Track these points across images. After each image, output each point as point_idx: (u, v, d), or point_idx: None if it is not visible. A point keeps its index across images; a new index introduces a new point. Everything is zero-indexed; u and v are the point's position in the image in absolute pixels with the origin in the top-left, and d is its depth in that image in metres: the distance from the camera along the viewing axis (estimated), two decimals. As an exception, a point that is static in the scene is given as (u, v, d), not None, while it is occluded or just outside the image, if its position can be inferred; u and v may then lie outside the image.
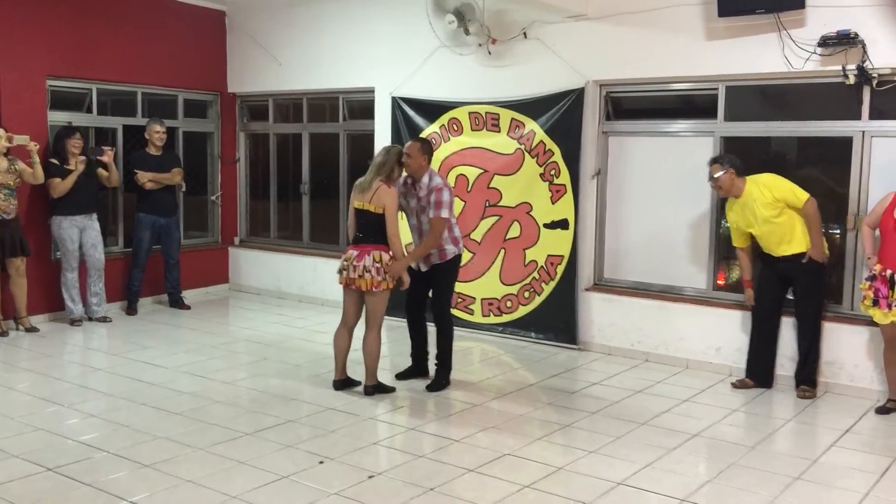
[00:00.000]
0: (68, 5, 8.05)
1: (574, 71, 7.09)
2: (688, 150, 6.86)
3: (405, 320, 6.25)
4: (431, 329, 6.18)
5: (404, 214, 6.04)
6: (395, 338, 7.17)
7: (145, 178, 8.28)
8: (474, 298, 7.73)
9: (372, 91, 8.48)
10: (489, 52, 7.50)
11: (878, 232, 5.66)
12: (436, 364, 6.08)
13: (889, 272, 5.46)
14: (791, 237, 5.90)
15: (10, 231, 7.27)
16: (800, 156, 6.77)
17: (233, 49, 9.55)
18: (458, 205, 7.52)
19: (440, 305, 6.04)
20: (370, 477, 4.41)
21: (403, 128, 8.08)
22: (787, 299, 6.17)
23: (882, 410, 5.63)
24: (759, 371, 6.19)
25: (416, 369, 6.26)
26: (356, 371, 5.96)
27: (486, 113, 7.58)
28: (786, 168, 6.49)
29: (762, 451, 4.90)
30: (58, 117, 8.09)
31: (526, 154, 7.38)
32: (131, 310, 8.43)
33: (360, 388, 5.87)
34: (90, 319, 7.99)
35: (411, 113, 8.07)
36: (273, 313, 8.64)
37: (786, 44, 6.11)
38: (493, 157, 7.57)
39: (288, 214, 9.78)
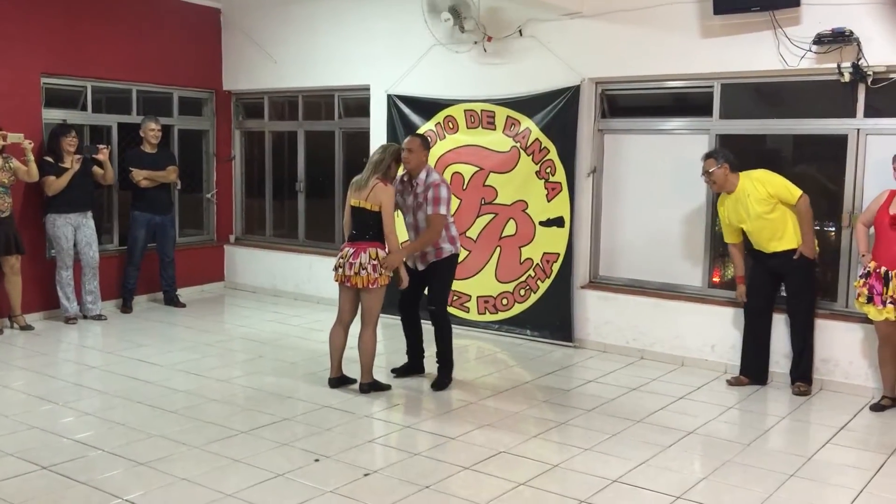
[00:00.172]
0: (63, 3, 8.03)
1: (569, 69, 7.09)
2: (683, 147, 6.87)
3: (400, 318, 6.23)
4: (426, 326, 6.18)
5: (400, 213, 6.03)
6: (390, 335, 7.17)
7: (140, 175, 8.26)
8: (470, 296, 7.74)
9: (367, 89, 8.47)
10: (485, 50, 7.49)
11: (872, 229, 5.68)
12: (437, 363, 6.04)
13: (884, 269, 5.47)
14: (783, 233, 5.92)
15: (5, 229, 7.25)
16: (795, 153, 6.78)
17: (228, 47, 9.54)
18: (454, 203, 7.51)
19: (437, 305, 5.99)
20: (366, 475, 4.41)
21: (399, 126, 8.08)
22: (780, 296, 6.18)
23: (877, 407, 5.64)
24: (754, 368, 6.20)
25: (411, 366, 6.26)
26: (351, 369, 5.96)
27: (482, 111, 7.58)
28: (781, 166, 6.49)
29: (757, 449, 4.91)
30: (52, 115, 8.07)
31: (521, 152, 7.38)
32: (126, 308, 8.41)
33: (356, 386, 5.87)
34: (85, 317, 7.98)
35: (407, 111, 8.07)
36: (268, 311, 8.63)
37: (781, 41, 6.11)
38: (489, 154, 7.57)
39: (283, 212, 9.77)
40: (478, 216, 7.68)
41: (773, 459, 4.74)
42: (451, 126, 7.78)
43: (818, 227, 6.22)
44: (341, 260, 5.70)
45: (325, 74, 8.79)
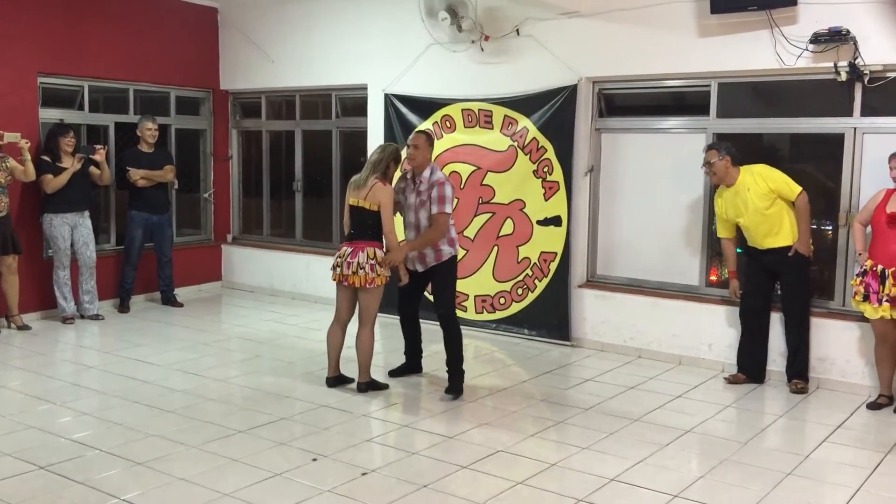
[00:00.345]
0: (60, 2, 8.01)
1: (567, 68, 7.09)
2: (680, 146, 6.88)
3: (398, 318, 6.21)
4: (425, 327, 6.18)
5: (399, 213, 5.99)
6: (388, 335, 7.17)
7: (137, 175, 8.26)
8: (468, 295, 7.74)
9: (365, 88, 8.47)
10: (482, 49, 7.49)
11: (869, 228, 5.69)
12: (447, 371, 5.85)
13: (880, 267, 5.48)
14: (779, 229, 5.93)
15: (2, 229, 7.24)
16: (792, 152, 6.79)
17: (225, 46, 9.53)
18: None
19: (445, 309, 5.82)
20: (363, 474, 4.41)
21: (396, 125, 8.08)
22: (776, 294, 6.19)
23: (873, 406, 5.65)
24: (750, 367, 6.22)
25: (409, 367, 6.25)
26: (349, 368, 5.96)
27: (479, 110, 7.58)
28: (778, 165, 6.46)
29: (754, 447, 4.92)
30: (49, 115, 8.06)
31: (519, 151, 7.38)
32: (124, 307, 8.40)
33: (354, 385, 5.87)
34: (82, 317, 7.97)
35: (404, 110, 8.07)
36: (266, 311, 8.63)
37: (778, 40, 6.12)
38: (486, 154, 7.58)
39: (281, 212, 9.77)
40: (475, 215, 7.68)
41: (770, 458, 4.74)
42: (448, 125, 7.79)
43: (814, 226, 6.24)
44: (339, 259, 5.70)
45: (322, 74, 8.79)
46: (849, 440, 5.09)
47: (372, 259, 5.59)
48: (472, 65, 7.63)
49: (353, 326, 5.85)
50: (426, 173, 5.74)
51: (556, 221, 7.24)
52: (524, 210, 7.41)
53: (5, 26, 7.60)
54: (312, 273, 8.92)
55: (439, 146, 7.76)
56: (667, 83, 6.96)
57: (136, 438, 4.87)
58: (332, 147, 9.02)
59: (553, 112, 7.17)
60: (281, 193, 9.70)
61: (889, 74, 5.86)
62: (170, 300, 8.71)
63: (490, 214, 7.61)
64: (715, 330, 6.58)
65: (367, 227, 5.65)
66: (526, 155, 7.34)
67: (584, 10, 6.95)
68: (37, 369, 6.36)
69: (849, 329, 6.04)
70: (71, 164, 7.65)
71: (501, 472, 4.48)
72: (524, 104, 7.32)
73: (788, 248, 5.93)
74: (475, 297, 7.73)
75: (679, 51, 6.58)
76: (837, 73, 5.91)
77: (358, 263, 5.59)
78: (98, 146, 8.03)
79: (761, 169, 6.00)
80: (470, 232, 7.69)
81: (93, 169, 7.96)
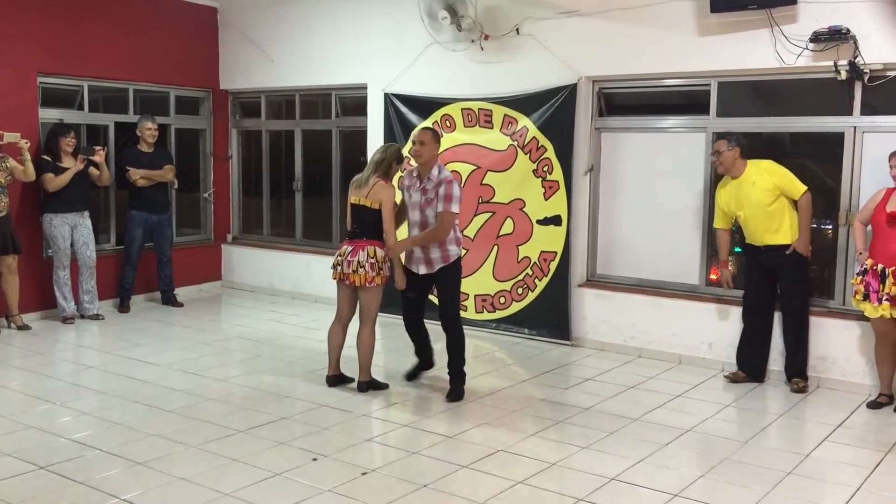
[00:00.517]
0: (60, 2, 8.01)
1: (566, 67, 7.09)
2: (680, 145, 6.88)
3: (400, 317, 6.08)
4: (428, 327, 6.14)
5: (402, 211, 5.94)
6: (388, 334, 7.17)
7: (136, 174, 8.26)
8: (468, 295, 7.73)
9: (364, 88, 8.46)
10: (482, 49, 7.49)
11: (869, 227, 5.68)
12: (448, 373, 5.81)
13: (880, 266, 5.48)
14: (778, 226, 5.93)
15: (2, 229, 7.24)
16: (792, 151, 6.78)
17: (225, 46, 9.52)
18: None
19: (450, 311, 5.74)
20: (363, 474, 4.41)
21: (396, 124, 8.08)
22: (777, 294, 6.18)
23: (874, 405, 5.65)
24: (751, 366, 6.21)
25: (421, 364, 6.12)
26: (350, 368, 5.95)
27: (479, 109, 7.58)
28: (778, 164, 6.49)
29: (754, 446, 4.92)
30: (49, 114, 8.06)
31: (519, 150, 7.38)
32: (124, 307, 8.40)
33: (354, 385, 5.86)
34: (82, 317, 7.97)
35: (404, 109, 8.07)
36: (266, 310, 8.63)
37: (778, 39, 6.11)
38: (486, 153, 7.57)
39: (281, 211, 9.76)
40: (475, 215, 7.68)
41: (770, 457, 4.74)
42: (448, 125, 7.78)
43: (814, 225, 6.23)
44: (339, 258, 5.70)
45: (321, 73, 8.79)
46: (849, 439, 5.09)
47: (372, 258, 5.59)
48: (471, 64, 7.63)
49: (354, 326, 5.85)
50: (434, 172, 5.61)
51: (555, 221, 7.24)
52: (524, 209, 7.41)
53: (5, 26, 7.60)
54: (312, 273, 8.92)
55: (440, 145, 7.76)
56: (667, 82, 6.95)
57: (137, 438, 4.87)
58: (332, 147, 9.02)
59: (553, 111, 7.17)
60: (281, 193, 9.69)
61: (889, 73, 5.85)
62: (170, 300, 8.71)
63: (490, 214, 7.61)
64: (715, 329, 6.58)
65: (368, 225, 5.65)
66: (526, 154, 7.34)
67: (584, 9, 6.95)
68: (37, 369, 6.36)
69: (849, 328, 6.04)
70: (73, 165, 7.65)
71: (501, 471, 4.48)
72: (524, 103, 7.32)
73: (786, 246, 5.93)
74: (475, 296, 7.73)
75: (679, 50, 6.57)
76: (837, 71, 5.91)
77: (358, 262, 5.58)
78: (98, 147, 8.03)
79: (768, 165, 6.01)
80: (470, 231, 7.69)
81: (92, 170, 7.95)
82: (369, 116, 8.44)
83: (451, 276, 5.76)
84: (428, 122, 7.83)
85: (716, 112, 6.65)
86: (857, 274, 5.67)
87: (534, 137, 7.27)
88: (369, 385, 5.82)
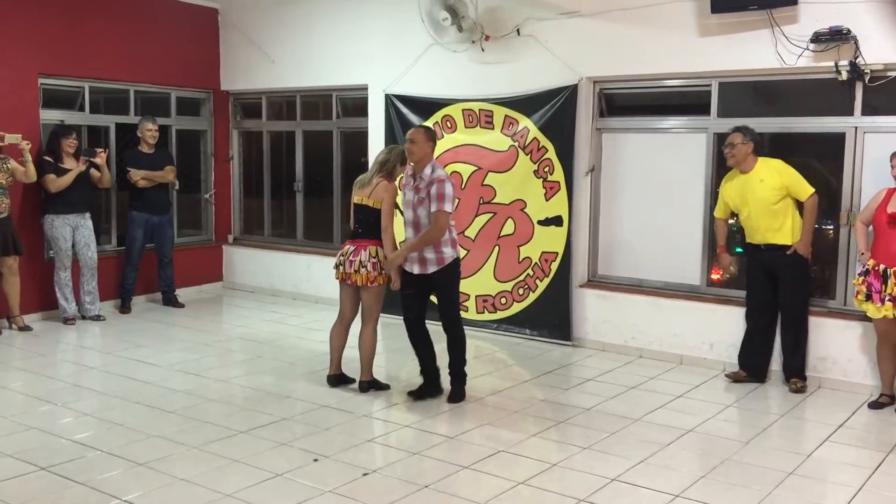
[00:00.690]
0: (61, 3, 8.02)
1: (567, 68, 7.09)
2: (681, 146, 6.88)
3: (401, 318, 5.87)
4: (428, 327, 6.09)
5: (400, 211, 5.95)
6: (390, 334, 7.17)
7: (137, 175, 8.26)
8: (469, 295, 7.73)
9: (365, 88, 8.47)
10: (482, 49, 7.49)
11: (871, 227, 5.68)
12: (449, 374, 5.75)
13: (882, 267, 5.47)
14: (780, 226, 5.93)
15: (3, 230, 7.24)
16: (793, 152, 6.77)
17: (226, 47, 9.53)
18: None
19: (450, 314, 5.68)
20: (364, 474, 4.41)
21: (397, 125, 8.08)
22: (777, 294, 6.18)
23: (875, 405, 5.65)
24: (752, 365, 6.21)
25: (428, 388, 5.79)
26: (352, 368, 5.95)
27: (480, 110, 7.58)
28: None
29: (756, 447, 4.92)
30: (50, 116, 8.07)
31: (520, 151, 7.38)
32: (125, 308, 8.40)
33: (355, 385, 5.87)
34: (83, 318, 7.97)
35: (405, 110, 8.07)
36: (267, 311, 8.63)
37: (778, 40, 6.11)
38: (487, 154, 7.57)
39: (282, 212, 9.77)
40: (476, 215, 7.68)
41: (771, 457, 4.74)
42: (449, 125, 7.78)
43: (816, 226, 6.22)
44: (341, 258, 5.70)
45: (322, 74, 8.79)
46: (850, 439, 5.09)
47: (374, 258, 5.59)
48: (472, 65, 7.63)
49: (356, 326, 5.85)
50: (427, 170, 5.53)
51: (556, 221, 7.24)
52: (525, 210, 7.41)
53: (6, 27, 7.60)
54: (313, 273, 8.92)
55: (440, 146, 7.75)
56: (667, 83, 6.95)
57: (138, 439, 4.87)
58: (333, 147, 9.02)
59: (554, 112, 7.17)
60: (282, 194, 9.70)
61: (890, 73, 5.85)
62: (171, 301, 8.71)
63: (491, 214, 7.61)
64: (716, 329, 6.57)
65: (371, 225, 5.65)
66: (527, 155, 7.34)
67: (585, 9, 6.95)
68: (38, 370, 6.36)
69: (850, 328, 6.03)
70: (74, 166, 7.66)
71: (503, 472, 4.47)
72: (525, 104, 7.32)
73: (787, 246, 5.93)
74: (476, 297, 7.73)
75: (680, 50, 6.57)
76: (838, 72, 5.91)
77: (360, 262, 5.59)
78: (99, 150, 8.03)
79: (778, 164, 6.01)
80: (471, 232, 7.69)
81: (93, 172, 7.96)
82: (370, 117, 8.44)
83: (448, 280, 5.67)
84: (429, 123, 7.81)
85: (717, 112, 6.65)
86: (859, 274, 5.66)
87: (535, 138, 7.27)
88: (370, 385, 5.82)
